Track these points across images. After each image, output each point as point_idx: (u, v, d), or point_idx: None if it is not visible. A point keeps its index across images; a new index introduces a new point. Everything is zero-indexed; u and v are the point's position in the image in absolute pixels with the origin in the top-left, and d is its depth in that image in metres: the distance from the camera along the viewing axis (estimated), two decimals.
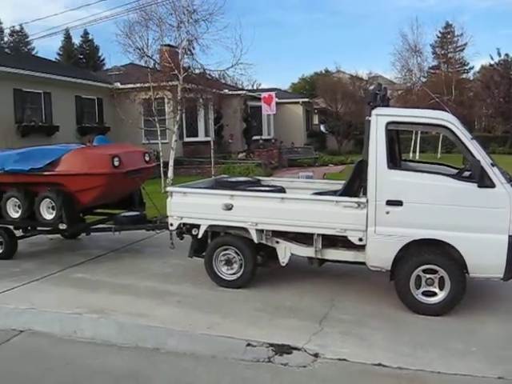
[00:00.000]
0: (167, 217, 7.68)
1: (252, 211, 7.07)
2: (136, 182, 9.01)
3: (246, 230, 7.12)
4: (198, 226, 7.41)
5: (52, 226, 8.36)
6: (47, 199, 8.26)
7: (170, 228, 7.62)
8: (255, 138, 31.33)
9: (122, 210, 9.41)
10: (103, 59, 51.83)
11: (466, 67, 45.97)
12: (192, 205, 7.41)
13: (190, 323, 6.08)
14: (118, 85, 23.76)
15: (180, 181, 18.32)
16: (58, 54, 49.41)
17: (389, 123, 6.49)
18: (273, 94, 30.33)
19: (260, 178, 9.07)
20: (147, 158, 9.25)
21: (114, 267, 8.39)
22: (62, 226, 8.14)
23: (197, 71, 18.90)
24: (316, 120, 44.44)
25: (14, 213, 8.57)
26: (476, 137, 6.34)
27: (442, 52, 43.05)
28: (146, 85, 20.14)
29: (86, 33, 50.33)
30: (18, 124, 18.77)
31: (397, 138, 7.58)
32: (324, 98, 40.10)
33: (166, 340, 5.76)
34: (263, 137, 33.00)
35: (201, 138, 26.39)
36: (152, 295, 7.03)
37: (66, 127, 20.84)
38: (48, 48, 67.18)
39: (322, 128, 43.95)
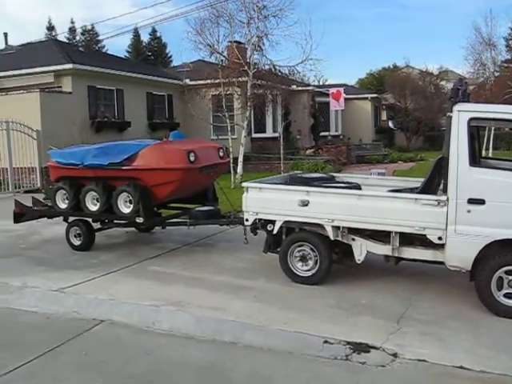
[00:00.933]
0: (240, 211, 7.69)
1: (328, 208, 7.00)
2: (210, 177, 9.10)
3: (321, 226, 7.06)
4: (273, 222, 7.41)
5: (129, 220, 8.56)
6: (125, 193, 8.46)
7: (245, 223, 7.65)
8: (323, 134, 31.11)
9: (196, 204, 9.52)
10: (170, 56, 52.90)
11: None
12: (268, 200, 7.41)
13: (266, 318, 6.06)
14: (188, 81, 24.14)
15: (249, 176, 18.50)
16: (127, 52, 50.77)
17: (471, 119, 6.27)
18: (341, 89, 30.09)
19: (334, 174, 8.95)
20: (221, 154, 9.32)
21: (188, 261, 8.50)
22: (139, 220, 8.31)
23: (266, 67, 18.87)
24: (384, 116, 43.66)
25: (93, 206, 8.83)
26: None
27: None
28: (217, 81, 20.28)
29: (154, 30, 51.44)
30: (92, 120, 19.41)
31: (477, 135, 7.30)
32: (393, 93, 39.27)
33: (242, 334, 5.76)
34: (331, 133, 32.69)
35: (268, 133, 26.43)
36: (227, 289, 7.07)
37: (137, 123, 21.36)
38: (117, 46, 69.56)
39: (391, 124, 43.07)
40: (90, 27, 47.28)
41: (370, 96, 37.16)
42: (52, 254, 9.03)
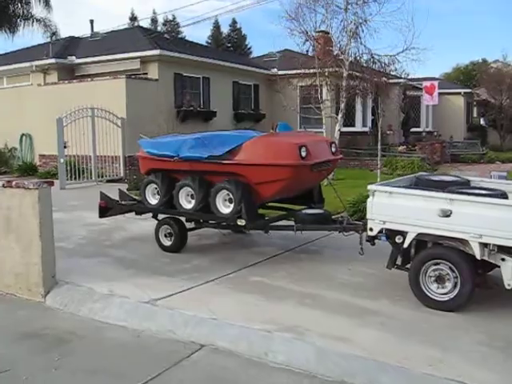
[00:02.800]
0: (351, 215, 6.42)
1: (476, 220, 5.69)
2: (321, 175, 7.92)
3: (464, 242, 5.73)
4: (403, 234, 6.14)
5: (229, 221, 7.47)
6: (224, 191, 7.38)
7: (369, 233, 6.42)
8: (413, 130, 29.29)
9: (299, 205, 8.40)
10: (250, 48, 52.08)
11: None
12: (399, 208, 6.17)
13: (405, 356, 4.81)
14: (275, 70, 22.99)
15: (340, 173, 17.23)
16: (207, 43, 50.28)
17: None
18: (435, 83, 28.08)
19: (469, 178, 7.49)
20: (334, 149, 8.08)
21: (294, 271, 7.35)
22: (241, 222, 7.20)
23: (364, 56, 17.39)
24: (475, 113, 40.95)
25: (187, 203, 7.83)
26: None
27: None
28: (311, 71, 19.05)
29: (234, 21, 50.78)
30: (178, 109, 18.61)
31: None
32: (487, 88, 36.64)
33: (378, 377, 4.60)
34: (421, 129, 30.82)
35: (358, 128, 24.95)
36: (347, 312, 5.86)
37: (222, 113, 20.46)
38: (197, 38, 69.21)
39: (482, 121, 40.46)
40: (171, 17, 47.11)
41: (463, 91, 34.73)
42: (139, 255, 8.10)
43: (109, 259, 7.90)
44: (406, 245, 6.17)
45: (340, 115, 17.35)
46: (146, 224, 9.35)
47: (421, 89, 29.12)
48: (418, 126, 31.08)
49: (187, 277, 7.00)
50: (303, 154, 7.21)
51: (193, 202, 7.77)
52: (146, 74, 18.01)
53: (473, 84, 40.36)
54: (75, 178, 16.04)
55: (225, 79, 21.27)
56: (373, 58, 17.44)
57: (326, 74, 19.62)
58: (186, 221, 8.25)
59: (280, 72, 23.36)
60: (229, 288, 6.63)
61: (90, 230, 9.72)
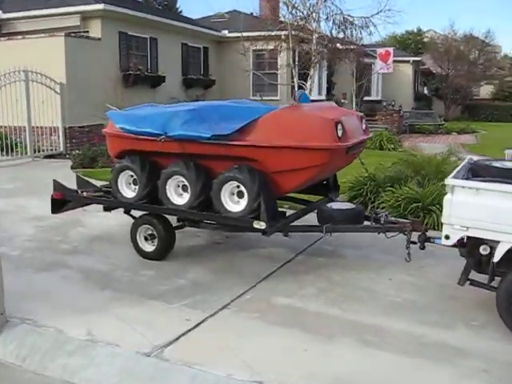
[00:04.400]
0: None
1: None
2: (352, 159, 6.18)
3: None
4: (490, 243, 4.63)
5: (241, 223, 5.59)
6: (233, 182, 5.52)
7: (445, 242, 4.78)
8: (366, 98, 28.08)
9: (312, 194, 6.67)
10: (180, 11, 49.06)
11: None
12: (489, 209, 4.56)
13: None
14: (226, 33, 20.90)
15: None
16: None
17: None
18: (390, 50, 27.02)
19: None
20: (364, 126, 6.31)
21: (324, 286, 5.65)
22: (259, 225, 5.36)
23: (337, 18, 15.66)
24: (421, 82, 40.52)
25: (178, 198, 5.91)
26: None
27: None
28: (266, 33, 17.21)
29: None
30: (124, 73, 16.22)
31: None
32: (434, 58, 36.06)
33: None
34: (372, 98, 29.71)
35: (314, 96, 23.20)
36: (429, 353, 4.27)
37: (171, 78, 18.31)
38: None
39: (426, 91, 40.13)
40: None
41: (412, 59, 33.77)
42: (113, 265, 6.12)
43: (73, 273, 5.88)
44: (497, 258, 4.57)
45: (309, 82, 15.57)
46: (110, 217, 7.30)
47: (372, 56, 27.96)
48: (370, 95, 29.97)
49: (190, 301, 5.14)
50: (339, 132, 5.42)
51: (186, 195, 5.86)
52: (87, 32, 15.47)
53: (410, 53, 39.74)
54: (6, 153, 13.47)
55: (173, 41, 18.98)
56: (345, 19, 15.69)
57: (283, 37, 18.00)
58: (178, 220, 6.28)
59: (231, 34, 21.29)
60: (255, 320, 4.84)
61: (37, 227, 7.57)
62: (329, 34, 15.91)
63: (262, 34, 19.30)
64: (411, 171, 9.47)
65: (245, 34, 20.83)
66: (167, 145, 5.76)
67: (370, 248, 6.83)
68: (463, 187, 4.66)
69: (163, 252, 6.19)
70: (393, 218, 6.27)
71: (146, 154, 6.13)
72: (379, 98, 31.03)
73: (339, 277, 5.93)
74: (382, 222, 5.98)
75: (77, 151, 13.41)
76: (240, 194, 5.61)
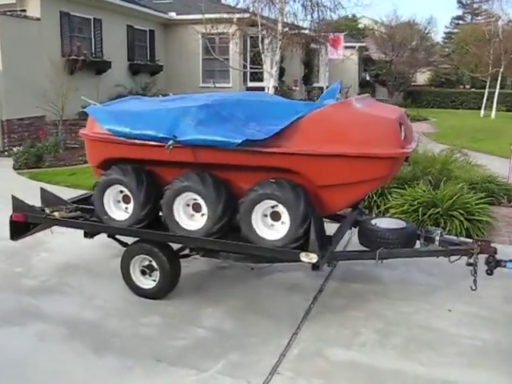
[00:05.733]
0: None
1: None
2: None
3: None
4: None
5: (280, 255, 4.28)
6: (269, 201, 4.17)
7: None
8: (315, 85, 27.25)
9: None
10: None
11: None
12: None
13: None
14: (174, 15, 19.26)
15: None
16: None
17: None
18: (341, 35, 26.15)
19: None
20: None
21: (379, 326, 4.53)
22: (310, 258, 4.06)
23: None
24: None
25: (188, 220, 4.52)
26: None
27: None
28: (217, 16, 15.91)
29: None
30: (67, 58, 14.35)
31: None
32: (377, 44, 35.65)
33: None
34: (321, 84, 28.86)
35: (266, 83, 21.99)
36: None
37: (117, 64, 16.57)
38: None
39: (367, 76, 39.88)
40: None
41: (357, 45, 33.11)
42: (102, 310, 4.69)
43: (51, 327, 4.38)
44: None
45: (275, 69, 14.27)
46: (79, 235, 5.67)
47: (318, 41, 26.99)
48: (317, 81, 29.14)
49: (224, 365, 3.85)
50: (403, 136, 4.21)
51: (199, 217, 4.48)
52: (25, 11, 13.48)
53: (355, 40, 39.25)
54: None
55: (118, 23, 17.16)
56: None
57: (235, 20, 16.73)
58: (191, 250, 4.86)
59: (179, 17, 19.68)
60: None
61: None
62: (293, 17, 14.60)
63: (213, 16, 17.93)
64: (419, 171, 8.41)
65: (194, 17, 19.37)
66: (175, 152, 4.33)
67: (403, 267, 5.75)
68: None
69: (167, 289, 4.81)
70: (450, 236, 5.13)
71: (143, 164, 4.69)
72: (327, 84, 30.18)
73: (391, 312, 4.79)
74: (437, 241, 4.86)
75: (17, 148, 11.56)
76: (275, 216, 4.29)
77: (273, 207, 4.29)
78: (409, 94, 37.65)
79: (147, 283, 4.82)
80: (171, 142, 4.24)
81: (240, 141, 4.04)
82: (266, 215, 4.33)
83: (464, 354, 4.09)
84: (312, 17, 14.52)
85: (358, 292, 5.20)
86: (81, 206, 5.30)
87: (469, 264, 4.67)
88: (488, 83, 28.96)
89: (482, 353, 4.11)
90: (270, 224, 4.33)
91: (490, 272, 4.70)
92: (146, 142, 4.45)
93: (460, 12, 61.13)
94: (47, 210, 5.17)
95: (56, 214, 5.08)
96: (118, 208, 4.81)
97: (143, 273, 4.80)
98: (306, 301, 4.95)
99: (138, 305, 4.74)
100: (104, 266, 5.60)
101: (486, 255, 4.71)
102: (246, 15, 16.55)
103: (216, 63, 20.46)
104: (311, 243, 4.07)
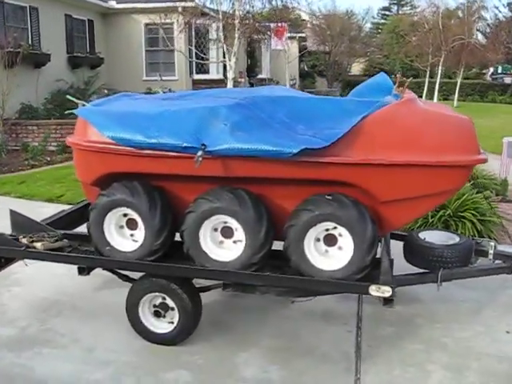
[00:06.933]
0: None
1: None
2: None
3: None
4: None
5: (346, 290, 3.49)
6: (327, 223, 3.35)
7: None
8: (260, 76, 26.58)
9: None
10: None
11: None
12: None
13: None
14: (114, 4, 18.01)
15: None
16: None
17: None
18: (285, 25, 25.45)
19: None
20: None
21: (444, 359, 3.89)
22: (379, 291, 3.30)
23: None
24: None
25: (217, 249, 3.63)
26: None
27: None
28: (162, 4, 14.98)
29: None
30: (2, 50, 12.84)
31: None
32: (315, 34, 35.42)
33: None
34: (263, 76, 28.23)
35: (212, 75, 21.13)
36: None
37: (56, 57, 15.13)
38: None
39: (305, 67, 39.70)
40: None
41: (298, 36, 32.60)
42: (109, 366, 3.74)
43: None
44: None
45: (233, 60, 13.38)
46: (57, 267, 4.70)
47: (261, 32, 26.27)
48: (260, 73, 28.49)
49: None
50: None
51: (234, 246, 3.60)
52: None
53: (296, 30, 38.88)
54: None
55: (55, 11, 15.69)
56: None
57: (180, 9, 15.82)
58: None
59: (120, 5, 18.42)
60: None
61: None
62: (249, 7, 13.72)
63: (157, 5, 16.91)
64: None
65: (136, 6, 18.24)
66: (208, 165, 3.44)
67: None
68: None
69: (187, 332, 3.89)
70: (503, 248, 4.50)
71: (152, 179, 3.75)
72: (269, 76, 29.62)
73: (448, 339, 4.17)
74: (491, 254, 4.24)
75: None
76: (330, 241, 3.48)
77: (327, 230, 3.46)
78: (347, 83, 37.60)
79: (162, 326, 3.90)
80: (200, 152, 3.32)
81: (297, 150, 3.19)
82: (318, 239, 3.51)
83: None
84: (271, 4, 13.67)
85: (402, 315, 4.50)
86: (63, 232, 4.27)
87: None
88: (428, 72, 29.18)
89: None
90: (325, 250, 3.51)
91: None
92: (164, 153, 3.51)
93: (386, 3, 61.89)
94: (24, 240, 4.11)
95: (38, 244, 4.03)
96: (122, 236, 3.84)
97: (157, 314, 3.86)
98: (349, 332, 4.21)
99: (155, 355, 3.82)
100: (93, 302, 4.62)
101: None
102: (191, 4, 15.62)
103: (160, 55, 19.39)
104: (383, 273, 3.31)
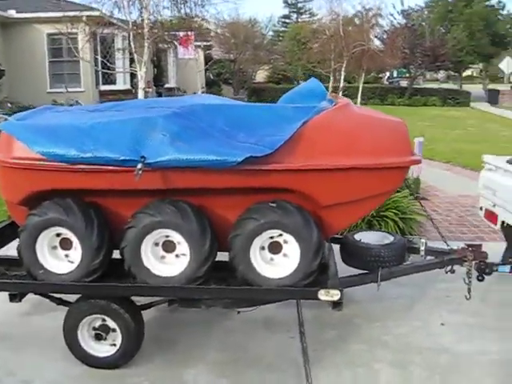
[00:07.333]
0: None
1: None
2: None
3: None
4: None
5: (294, 296, 3.58)
6: (272, 231, 3.36)
7: None
8: (167, 86, 26.35)
9: None
10: None
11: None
12: None
13: None
14: (13, 13, 17.22)
15: None
16: None
17: None
18: (191, 34, 25.39)
19: None
20: None
21: (404, 358, 3.94)
22: (328, 296, 3.36)
23: None
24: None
25: (159, 264, 3.53)
26: None
27: None
28: (64, 14, 14.45)
29: None
30: None
31: None
32: (220, 43, 35.55)
33: None
34: (171, 85, 28.06)
35: (119, 85, 20.72)
36: None
37: None
38: None
39: (211, 75, 39.78)
40: None
41: (203, 44, 32.55)
42: None
43: None
44: None
45: (144, 70, 13.12)
46: None
47: (168, 41, 26.11)
48: (167, 82, 28.26)
49: None
50: None
51: (176, 260, 3.50)
52: None
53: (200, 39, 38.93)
54: None
55: None
56: None
57: (84, 18, 15.46)
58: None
59: (19, 15, 17.65)
60: None
61: None
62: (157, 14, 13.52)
63: (60, 15, 16.27)
64: None
65: (38, 15, 17.52)
66: (148, 179, 3.32)
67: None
68: None
69: (131, 353, 3.74)
70: (432, 245, 4.68)
71: (85, 195, 3.57)
72: (174, 85, 29.50)
73: (389, 337, 4.37)
74: (422, 251, 4.43)
75: None
76: (275, 248, 3.47)
77: (272, 237, 3.45)
78: (253, 91, 38.09)
79: (104, 349, 3.72)
80: (140, 165, 3.20)
81: (242, 158, 3.15)
82: (263, 248, 3.49)
83: (497, 374, 3.69)
84: (180, 13, 13.57)
85: (342, 317, 4.56)
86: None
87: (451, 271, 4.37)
88: (331, 78, 30.07)
89: (510, 370, 3.72)
90: (270, 258, 3.50)
91: (481, 278, 4.43)
92: (100, 167, 3.35)
93: (286, 11, 63.42)
94: None
95: None
96: (56, 257, 3.63)
97: (98, 337, 3.67)
98: (293, 338, 4.22)
99: (97, 381, 3.63)
100: (24, 329, 4.34)
101: (478, 261, 4.38)
102: (96, 13, 15.22)
103: (65, 66, 18.73)
104: (331, 277, 3.34)
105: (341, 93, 27.83)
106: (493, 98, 34.09)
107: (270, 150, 3.20)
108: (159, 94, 25.72)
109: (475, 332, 4.33)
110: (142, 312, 3.84)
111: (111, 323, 3.65)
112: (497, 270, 4.43)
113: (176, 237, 3.45)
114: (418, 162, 3.65)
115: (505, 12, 40.95)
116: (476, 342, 4.14)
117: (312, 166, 3.34)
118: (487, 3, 39.53)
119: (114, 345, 3.69)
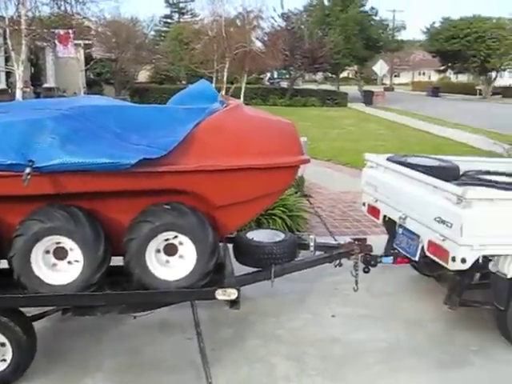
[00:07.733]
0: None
1: None
2: None
3: None
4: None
5: (189, 297, 3.53)
6: (168, 233, 3.39)
7: (461, 266, 3.82)
8: (46, 85, 25.19)
9: None
10: None
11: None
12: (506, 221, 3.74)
13: None
14: None
15: None
16: None
17: None
18: (70, 32, 24.49)
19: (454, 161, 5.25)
20: None
21: (298, 351, 4.10)
22: (225, 295, 3.44)
23: None
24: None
25: (51, 272, 3.43)
26: None
27: None
28: None
29: None
30: None
31: None
32: (101, 42, 34.57)
33: None
34: (47, 85, 26.87)
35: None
36: None
37: None
38: None
39: (91, 75, 38.59)
40: None
41: (83, 43, 31.46)
42: None
43: None
44: None
45: (21, 68, 12.49)
46: None
47: (47, 39, 25.03)
48: (45, 81, 27.05)
49: None
50: None
51: (69, 267, 3.41)
52: None
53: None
54: None
55: None
56: None
57: None
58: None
59: None
60: None
61: None
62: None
63: None
64: None
65: None
66: (37, 184, 3.20)
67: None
68: (479, 199, 3.72)
69: (23, 368, 3.58)
70: (322, 241, 4.92)
71: None
72: (52, 84, 28.31)
73: (282, 331, 4.55)
74: (311, 247, 4.66)
75: None
76: (170, 250, 3.49)
77: (167, 239, 3.47)
78: (135, 91, 37.46)
79: None
80: (29, 169, 3.08)
81: (135, 160, 3.13)
82: (159, 250, 3.49)
83: (387, 360, 3.96)
84: (60, 9, 13.05)
85: (237, 315, 4.62)
86: None
87: (339, 265, 4.66)
88: (214, 79, 30.27)
89: (398, 354, 4.04)
90: (165, 261, 3.50)
91: (367, 270, 4.73)
92: None
93: (168, 11, 62.98)
94: None
95: None
96: None
97: None
98: (190, 340, 4.24)
99: None
100: None
101: (363, 253, 4.67)
102: None
103: None
104: (228, 276, 3.42)
105: (223, 92, 28.22)
106: (367, 98, 36.09)
107: (164, 151, 3.21)
108: (37, 94, 24.55)
109: (364, 321, 4.61)
110: (34, 323, 3.68)
111: (0, 337, 3.46)
112: (381, 262, 4.72)
113: (68, 243, 3.35)
114: (307, 161, 3.81)
115: (377, 18, 43.37)
116: (365, 331, 4.41)
117: (205, 167, 3.38)
118: (361, 9, 41.65)
119: (4, 360, 3.50)
